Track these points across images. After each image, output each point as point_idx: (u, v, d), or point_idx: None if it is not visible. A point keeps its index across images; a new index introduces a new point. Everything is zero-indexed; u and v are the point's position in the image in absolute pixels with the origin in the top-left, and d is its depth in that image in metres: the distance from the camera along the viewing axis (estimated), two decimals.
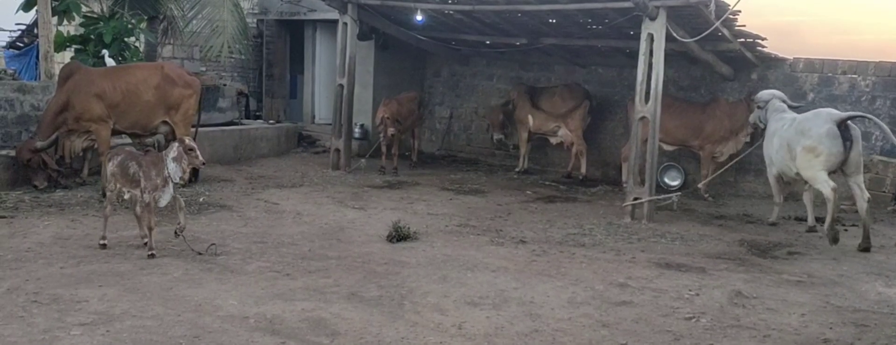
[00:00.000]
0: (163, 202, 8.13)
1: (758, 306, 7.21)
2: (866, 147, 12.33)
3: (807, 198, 10.86)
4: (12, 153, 11.09)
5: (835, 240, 9.70)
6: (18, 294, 6.69)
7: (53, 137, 10.96)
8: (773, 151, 10.69)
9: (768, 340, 6.36)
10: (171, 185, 8.10)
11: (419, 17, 13.97)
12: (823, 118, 10.02)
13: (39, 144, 10.85)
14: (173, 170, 8.05)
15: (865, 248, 9.63)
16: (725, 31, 11.75)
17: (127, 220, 9.32)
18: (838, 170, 9.99)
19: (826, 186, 9.91)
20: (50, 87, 12.07)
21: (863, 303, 7.44)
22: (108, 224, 8.52)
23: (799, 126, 10.20)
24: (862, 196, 9.91)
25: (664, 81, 11.22)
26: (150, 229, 8.06)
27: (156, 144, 11.97)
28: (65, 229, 9.08)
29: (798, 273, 8.48)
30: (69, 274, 7.35)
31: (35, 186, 10.94)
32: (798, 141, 10.10)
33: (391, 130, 14.11)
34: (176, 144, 8.14)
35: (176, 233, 8.30)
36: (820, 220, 10.60)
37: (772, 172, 10.96)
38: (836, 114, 10.10)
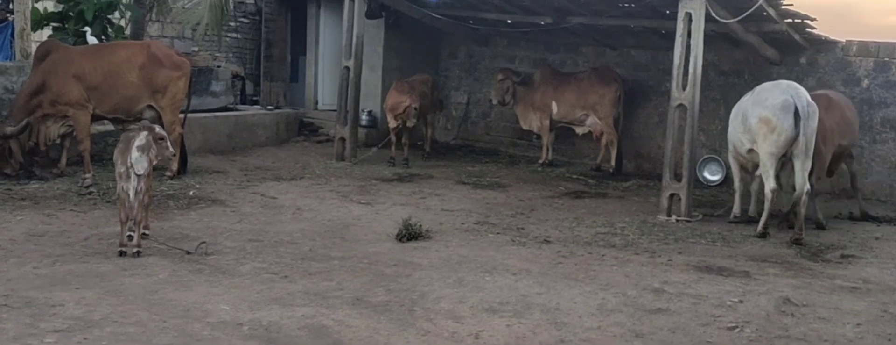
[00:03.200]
0: (130, 194, 7.96)
1: (808, 315, 7.15)
2: None
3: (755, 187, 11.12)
4: None
5: (762, 236, 10.11)
6: None
7: (25, 122, 10.91)
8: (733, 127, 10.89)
9: None
10: (134, 177, 7.93)
11: None
12: (782, 89, 10.21)
13: (9, 129, 10.82)
14: (137, 159, 7.89)
15: (796, 240, 9.87)
16: (771, 11, 11.68)
17: (109, 215, 9.30)
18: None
19: (770, 181, 10.21)
20: (25, 67, 12.06)
21: None
22: (96, 219, 8.50)
23: (757, 96, 10.41)
24: (802, 185, 10.05)
25: (703, 66, 11.16)
26: (122, 223, 8.00)
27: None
28: (39, 225, 9.05)
29: (853, 278, 8.41)
30: (43, 275, 7.31)
31: (6, 175, 10.92)
32: (754, 111, 10.24)
33: (412, 122, 14.06)
34: (144, 132, 7.98)
35: (143, 235, 8.23)
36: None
37: (730, 154, 11.20)
38: (801, 89, 10.29)
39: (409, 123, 14.10)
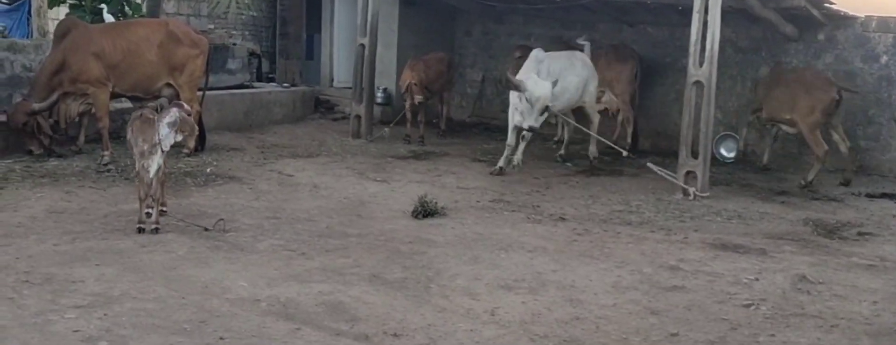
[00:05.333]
0: (151, 172, 7.99)
1: (824, 293, 7.13)
2: None
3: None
4: (2, 118, 11.10)
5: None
6: (8, 273, 6.70)
7: (54, 97, 10.94)
8: (572, 90, 12.59)
9: (836, 330, 6.29)
10: (159, 153, 7.96)
11: None
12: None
13: (36, 105, 10.84)
14: (166, 136, 7.89)
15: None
16: None
17: (128, 192, 9.34)
18: None
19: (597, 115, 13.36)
20: (43, 45, 12.08)
21: None
22: (115, 196, 8.53)
23: (592, 66, 13.14)
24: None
25: (721, 42, 11.09)
26: (140, 200, 8.03)
27: (159, 109, 11.97)
28: (59, 202, 9.09)
29: (869, 256, 8.39)
30: (64, 251, 7.35)
31: (30, 152, 10.96)
32: (592, 80, 12.98)
33: (418, 98, 14.01)
34: (174, 109, 7.99)
35: (161, 212, 8.29)
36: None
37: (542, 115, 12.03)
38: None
39: (417, 100, 14.06)
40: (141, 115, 8.14)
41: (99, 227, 8.20)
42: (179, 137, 8.03)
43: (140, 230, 7.98)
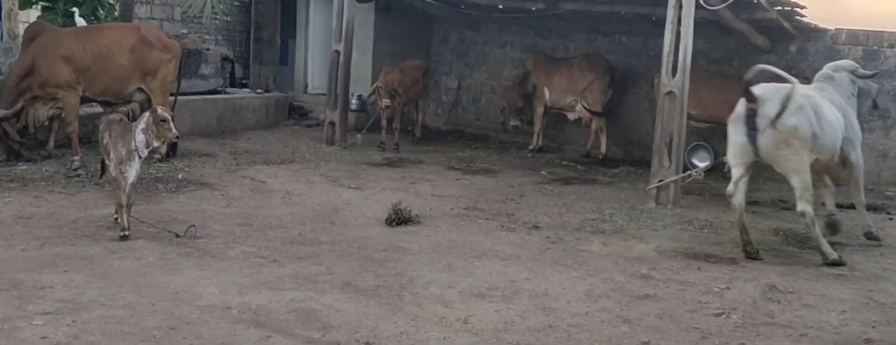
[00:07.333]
0: (130, 178, 7.99)
1: (794, 302, 7.17)
2: None
3: None
4: None
5: None
6: None
7: (19, 105, 10.86)
8: None
9: (805, 339, 6.32)
10: (137, 159, 7.97)
11: None
12: None
13: (0, 112, 10.75)
14: (141, 142, 7.91)
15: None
16: None
17: (98, 197, 9.27)
18: None
19: None
20: (13, 49, 12.00)
21: None
22: (85, 201, 8.46)
23: None
24: None
25: (694, 53, 11.15)
26: (120, 207, 7.98)
27: (130, 114, 11.90)
28: (27, 207, 9.01)
29: (838, 266, 8.41)
30: (32, 257, 7.29)
31: None
32: None
33: (385, 102, 14.02)
34: (146, 114, 8.00)
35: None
36: None
37: None
38: None
39: (383, 103, 14.06)
40: (120, 119, 8.13)
41: (68, 232, 8.13)
42: (156, 143, 8.04)
43: (123, 238, 7.91)
